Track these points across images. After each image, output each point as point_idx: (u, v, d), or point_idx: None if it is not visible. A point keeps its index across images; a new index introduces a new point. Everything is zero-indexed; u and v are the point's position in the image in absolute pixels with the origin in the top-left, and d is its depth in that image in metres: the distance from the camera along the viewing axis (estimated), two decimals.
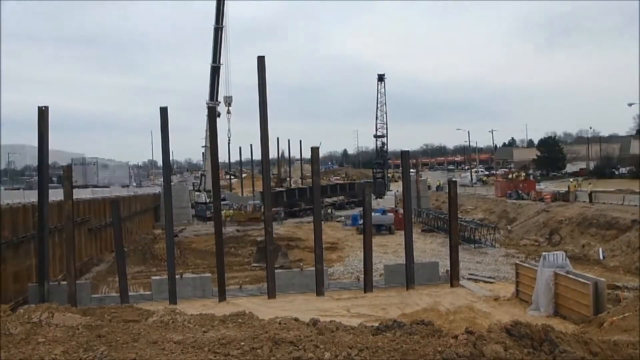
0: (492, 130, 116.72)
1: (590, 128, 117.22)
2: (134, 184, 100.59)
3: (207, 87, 56.78)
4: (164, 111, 23.25)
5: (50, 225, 24.03)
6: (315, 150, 24.54)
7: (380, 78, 66.45)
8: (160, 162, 65.79)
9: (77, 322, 11.88)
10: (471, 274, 27.52)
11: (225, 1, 54.78)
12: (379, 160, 70.36)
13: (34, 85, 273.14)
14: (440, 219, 46.76)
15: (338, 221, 56.27)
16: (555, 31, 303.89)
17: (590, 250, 33.22)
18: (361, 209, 58.65)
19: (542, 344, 8.74)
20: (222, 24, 54.95)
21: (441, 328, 10.93)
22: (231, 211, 56.67)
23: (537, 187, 58.17)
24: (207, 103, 55.70)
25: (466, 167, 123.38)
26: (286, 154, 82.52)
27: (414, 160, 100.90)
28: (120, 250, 23.74)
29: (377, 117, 67.06)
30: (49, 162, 25.67)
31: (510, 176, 63.50)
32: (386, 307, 20.57)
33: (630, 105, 66.90)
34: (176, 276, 22.84)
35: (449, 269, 24.57)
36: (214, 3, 54.92)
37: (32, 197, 25.96)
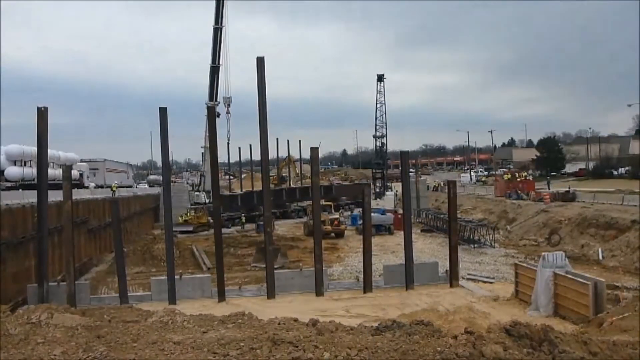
0: (491, 131, 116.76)
1: (590, 128, 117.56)
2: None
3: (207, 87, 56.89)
4: (163, 112, 23.25)
5: (50, 226, 24.00)
6: (314, 151, 24.52)
7: (380, 78, 66.52)
8: (159, 163, 65.75)
9: (76, 322, 11.86)
10: (470, 274, 27.53)
11: (225, 1, 54.76)
12: (378, 161, 70.43)
13: None
14: (439, 219, 46.78)
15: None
16: None
17: (590, 250, 33.25)
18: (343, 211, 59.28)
19: (541, 344, 8.74)
20: (221, 24, 54.94)
21: (440, 328, 10.91)
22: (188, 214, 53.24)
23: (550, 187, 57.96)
24: (206, 103, 55.65)
25: (466, 168, 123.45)
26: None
27: (414, 161, 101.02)
28: (119, 250, 23.73)
29: (376, 117, 67.17)
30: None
31: (506, 177, 63.16)
32: (386, 307, 20.57)
33: (629, 105, 67.06)
34: (175, 276, 22.83)
35: (448, 269, 24.58)
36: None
37: (31, 197, 25.93)
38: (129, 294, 22.77)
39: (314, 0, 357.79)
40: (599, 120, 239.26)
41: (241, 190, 73.20)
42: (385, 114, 66.76)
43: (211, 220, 51.84)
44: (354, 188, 71.50)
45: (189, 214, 53.30)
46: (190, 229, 50.16)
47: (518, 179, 59.90)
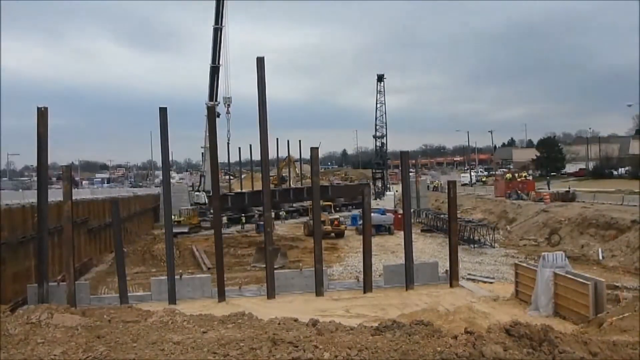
0: (491, 131, 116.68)
1: (590, 128, 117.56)
2: None
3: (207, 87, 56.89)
4: (163, 112, 23.25)
5: (50, 226, 24.00)
6: (314, 151, 24.52)
7: (380, 78, 66.65)
8: (159, 163, 65.89)
9: (76, 322, 11.85)
10: (470, 274, 27.53)
11: (225, 2, 54.73)
12: (378, 161, 70.57)
13: None
14: (439, 219, 46.76)
15: None
16: None
17: (590, 250, 33.23)
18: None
19: (541, 344, 8.73)
20: (221, 25, 54.92)
21: (440, 328, 10.90)
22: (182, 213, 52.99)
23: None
24: (206, 103, 55.68)
25: (465, 168, 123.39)
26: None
27: (414, 161, 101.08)
28: (119, 250, 23.74)
29: (376, 117, 67.29)
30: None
31: (507, 176, 63.19)
32: (385, 307, 20.58)
33: (629, 105, 67.04)
34: (175, 277, 22.84)
35: (448, 269, 24.58)
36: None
37: (31, 197, 25.95)
38: (129, 294, 22.77)
39: (313, 0, 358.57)
40: (598, 121, 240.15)
41: (241, 190, 73.24)
42: (385, 114, 66.98)
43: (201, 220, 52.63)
44: (352, 188, 71.42)
45: (181, 215, 52.67)
46: (186, 229, 49.88)
47: (518, 179, 59.87)
